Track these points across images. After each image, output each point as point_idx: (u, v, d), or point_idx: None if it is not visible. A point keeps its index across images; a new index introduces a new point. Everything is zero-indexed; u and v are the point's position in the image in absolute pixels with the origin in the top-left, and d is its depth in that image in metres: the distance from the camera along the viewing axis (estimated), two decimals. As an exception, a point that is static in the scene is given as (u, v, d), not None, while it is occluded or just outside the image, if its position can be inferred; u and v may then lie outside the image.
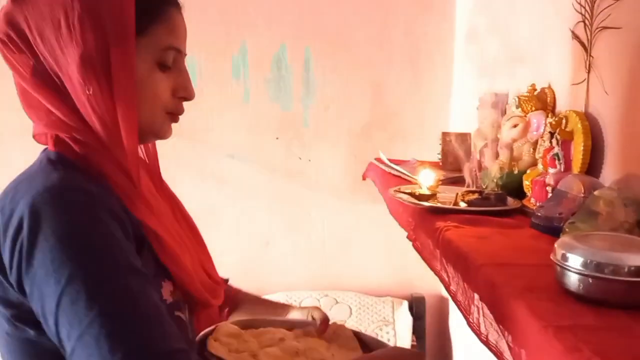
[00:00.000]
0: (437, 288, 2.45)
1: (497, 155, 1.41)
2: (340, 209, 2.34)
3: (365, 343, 1.07)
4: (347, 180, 2.32)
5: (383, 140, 2.25)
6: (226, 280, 1.07)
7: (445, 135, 1.81)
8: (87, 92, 0.80)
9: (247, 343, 0.98)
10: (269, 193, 2.34)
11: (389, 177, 1.64)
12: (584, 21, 1.16)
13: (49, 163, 0.83)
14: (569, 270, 0.70)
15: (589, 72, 1.16)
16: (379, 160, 1.79)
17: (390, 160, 1.74)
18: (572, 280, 0.70)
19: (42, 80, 0.82)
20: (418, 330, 2.31)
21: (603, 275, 0.67)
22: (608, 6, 1.08)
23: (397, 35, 2.27)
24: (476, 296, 0.82)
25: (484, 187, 1.32)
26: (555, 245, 0.73)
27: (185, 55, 0.91)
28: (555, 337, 0.59)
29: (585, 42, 1.16)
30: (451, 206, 1.16)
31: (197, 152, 2.27)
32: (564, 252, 0.71)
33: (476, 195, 1.22)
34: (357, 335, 1.07)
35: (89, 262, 0.73)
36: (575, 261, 0.69)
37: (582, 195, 1.01)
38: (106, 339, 0.69)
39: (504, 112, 1.58)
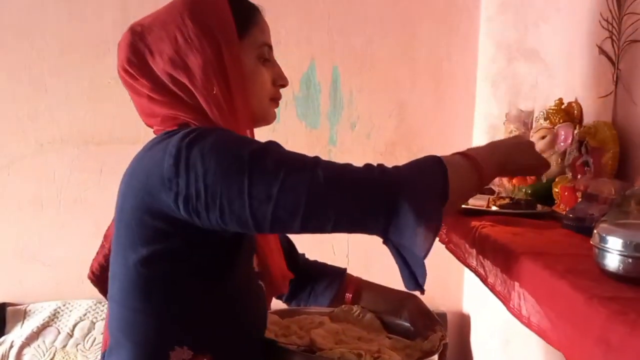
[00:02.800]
0: (459, 305, 2.48)
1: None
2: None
3: (385, 323, 1.17)
4: (371, 196, 2.37)
5: (407, 159, 2.29)
6: (344, 269, 1.27)
7: (471, 150, 1.87)
8: (213, 92, 0.94)
9: (289, 328, 1.05)
10: (294, 208, 2.38)
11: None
12: (611, 37, 1.23)
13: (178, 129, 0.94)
14: (608, 251, 0.75)
15: (616, 85, 1.22)
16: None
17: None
18: (611, 260, 0.75)
19: (160, 94, 0.96)
20: (439, 347, 2.32)
21: (640, 255, 0.72)
22: (636, 21, 1.14)
23: (421, 55, 2.35)
24: (516, 284, 0.87)
25: (513, 196, 1.37)
26: (595, 230, 0.78)
27: (273, 49, 1.05)
28: (601, 304, 0.64)
29: (613, 56, 1.22)
30: (485, 208, 1.22)
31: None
32: (603, 235, 0.76)
33: (507, 201, 1.28)
34: (378, 317, 1.18)
35: (255, 145, 0.87)
36: (614, 243, 0.74)
37: (613, 196, 1.06)
38: (304, 170, 0.85)
39: (529, 127, 1.64)
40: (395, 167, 0.91)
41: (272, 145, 0.89)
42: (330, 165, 0.87)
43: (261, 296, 1.03)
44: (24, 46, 2.32)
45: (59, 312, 2.34)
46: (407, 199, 0.83)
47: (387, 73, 2.35)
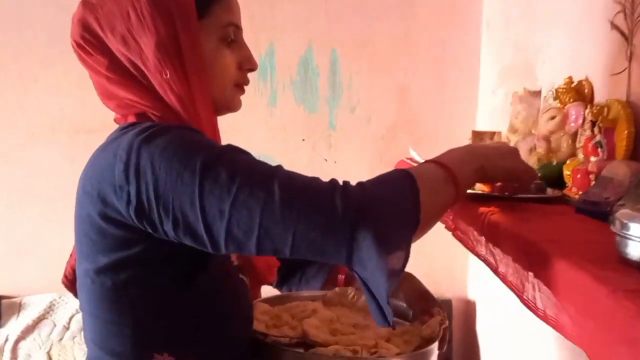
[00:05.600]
0: (464, 291, 2.43)
1: (533, 149, 1.40)
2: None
3: None
4: (372, 182, 2.32)
5: (409, 142, 2.23)
6: None
7: (475, 133, 1.80)
8: (165, 75, 0.87)
9: (280, 318, 1.00)
10: (294, 195, 2.33)
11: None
12: (624, 11, 1.16)
13: (133, 124, 0.88)
14: (631, 239, 0.69)
15: (630, 61, 1.15)
16: (410, 158, 1.78)
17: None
18: (635, 249, 0.69)
19: (117, 74, 0.89)
20: (444, 334, 2.28)
21: (667, 243, 0.67)
22: (652, -7, 1.08)
23: (422, 38, 2.29)
24: (530, 274, 0.81)
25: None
26: (616, 215, 0.73)
27: (242, 30, 0.96)
28: (626, 298, 0.58)
29: (626, 31, 1.16)
30: (494, 193, 1.16)
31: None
32: (625, 221, 0.70)
33: (515, 184, 1.22)
34: None
35: (212, 149, 0.80)
36: (638, 230, 0.69)
37: (630, 179, 1.00)
38: (259, 189, 0.75)
39: (537, 108, 1.58)
40: (361, 188, 0.79)
41: (229, 153, 0.81)
42: (289, 183, 0.78)
43: (243, 291, 0.95)
44: (12, 37, 2.28)
45: (54, 305, 2.30)
46: (370, 228, 0.74)
47: (388, 56, 2.29)
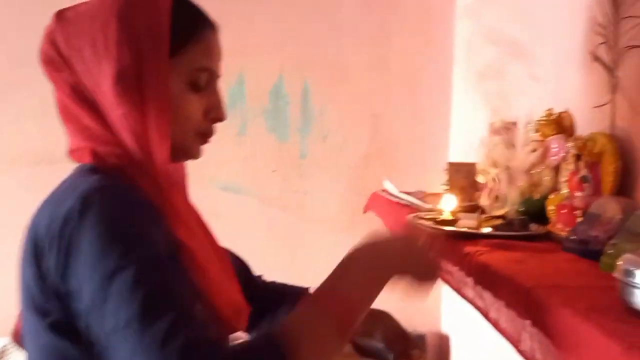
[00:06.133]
0: (437, 325, 2.38)
1: (514, 182, 1.37)
2: (338, 243, 2.25)
3: (357, 345, 1.09)
4: (345, 212, 2.27)
5: (382, 172, 2.20)
6: (307, 288, 1.10)
7: (451, 165, 1.77)
8: (121, 110, 0.79)
9: None
10: (264, 227, 2.26)
11: (397, 208, 1.58)
12: (606, 42, 1.14)
13: (89, 171, 0.82)
14: (637, 287, 0.65)
15: (614, 94, 1.13)
16: (385, 191, 1.73)
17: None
18: (641, 299, 0.64)
19: (80, 97, 0.82)
20: (419, 369, 2.22)
21: (678, 292, 0.62)
22: (636, 25, 1.06)
23: (396, 67, 2.26)
24: (527, 322, 0.76)
25: (504, 215, 1.27)
26: (619, 262, 0.68)
27: (220, 76, 0.89)
28: (646, 358, 0.53)
29: (609, 63, 1.13)
30: (482, 231, 1.11)
31: (190, 185, 2.20)
32: (631, 268, 0.66)
33: (500, 221, 1.18)
34: None
35: (136, 250, 0.72)
36: (644, 278, 0.64)
37: (619, 216, 0.96)
38: (148, 321, 0.67)
39: (514, 139, 1.55)
40: None
41: (147, 267, 0.71)
42: (170, 336, 0.67)
43: None
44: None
45: (6, 352, 2.15)
46: None
47: (360, 84, 2.25)
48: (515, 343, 0.79)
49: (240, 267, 1.13)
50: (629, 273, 0.66)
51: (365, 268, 0.83)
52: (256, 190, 2.25)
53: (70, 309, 0.74)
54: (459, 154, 2.14)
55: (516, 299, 0.80)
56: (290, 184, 2.27)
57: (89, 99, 0.82)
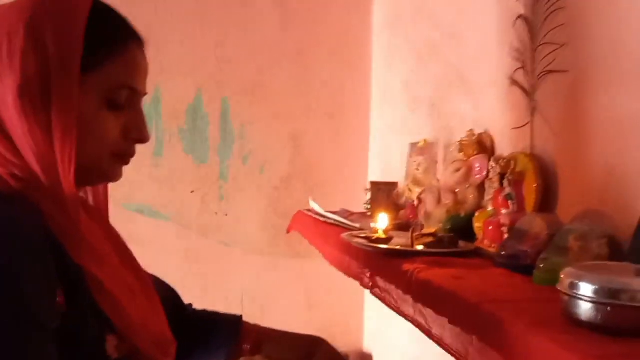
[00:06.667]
0: (359, 344, 2.39)
1: (439, 200, 1.41)
2: (259, 265, 2.24)
3: None
4: (266, 234, 2.24)
5: (303, 193, 2.20)
6: (240, 317, 1.06)
7: (373, 184, 1.80)
8: (23, 127, 0.72)
9: None
10: (182, 250, 2.19)
11: (324, 227, 1.58)
12: (523, 68, 1.21)
13: None
14: (582, 299, 0.68)
15: (533, 116, 1.19)
16: (311, 210, 1.73)
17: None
18: (586, 309, 0.67)
19: None
20: (342, 390, 2.21)
21: (620, 302, 0.65)
22: (552, 51, 1.13)
23: (314, 87, 2.28)
24: (474, 338, 0.77)
25: (434, 232, 1.30)
26: (562, 275, 0.71)
27: (145, 94, 0.83)
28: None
29: (527, 87, 1.20)
30: (416, 249, 1.13)
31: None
32: (575, 281, 0.69)
33: (430, 239, 1.20)
34: None
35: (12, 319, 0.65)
36: (587, 289, 0.67)
37: (546, 232, 1.01)
38: None
39: (435, 159, 1.61)
40: None
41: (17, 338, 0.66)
42: None
43: None
44: None
45: None
46: None
47: (281, 104, 2.25)
48: (461, 358, 0.80)
49: (168, 296, 1.07)
50: (573, 285, 0.69)
51: None
52: (173, 212, 2.17)
53: None
54: (378, 173, 2.19)
55: (461, 315, 0.81)
56: (209, 206, 2.21)
57: None
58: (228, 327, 1.08)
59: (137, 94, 0.81)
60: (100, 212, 0.89)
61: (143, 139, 0.83)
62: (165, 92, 2.12)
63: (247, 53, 2.21)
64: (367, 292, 2.39)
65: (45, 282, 0.69)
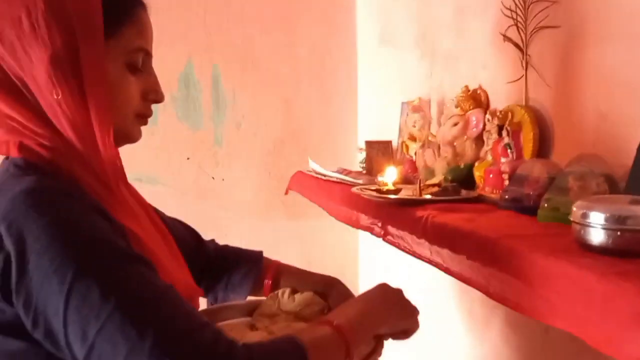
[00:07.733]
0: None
1: (438, 154, 1.49)
2: (256, 227, 2.30)
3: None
4: (262, 197, 2.31)
5: (296, 156, 2.26)
6: (261, 252, 1.15)
7: (369, 143, 1.87)
8: (57, 96, 0.76)
9: None
10: (181, 216, 2.23)
11: (327, 185, 1.65)
12: (516, 24, 1.28)
13: (17, 169, 0.77)
14: (592, 226, 0.76)
15: (526, 70, 1.27)
16: (312, 170, 1.80)
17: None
18: (596, 235, 0.76)
19: (2, 85, 0.77)
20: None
21: (628, 227, 0.74)
22: (544, 8, 1.20)
23: (303, 52, 2.33)
24: (494, 269, 0.86)
25: (438, 182, 1.38)
26: (574, 207, 0.80)
27: (152, 56, 0.88)
28: (622, 279, 0.64)
29: (520, 43, 1.28)
30: (424, 197, 1.21)
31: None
32: (586, 211, 0.77)
33: (436, 189, 1.29)
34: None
35: (91, 255, 0.69)
36: (596, 217, 0.76)
37: (546, 176, 1.10)
38: (132, 325, 0.65)
39: (429, 116, 1.68)
40: (249, 355, 0.70)
41: (109, 261, 0.70)
42: (168, 327, 0.67)
43: None
44: None
45: None
46: None
47: (271, 70, 2.29)
48: (483, 289, 0.88)
49: (190, 235, 1.14)
50: (585, 215, 0.77)
51: (384, 316, 0.91)
52: (171, 179, 2.21)
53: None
54: (370, 133, 2.26)
55: (480, 251, 0.89)
56: (206, 172, 2.26)
57: (12, 86, 0.77)
58: (250, 262, 1.14)
59: (149, 56, 0.87)
60: (123, 174, 0.93)
61: (159, 98, 0.89)
62: (155, 60, 2.12)
63: (236, 19, 2.24)
64: (360, 249, 2.49)
65: (112, 230, 0.75)
